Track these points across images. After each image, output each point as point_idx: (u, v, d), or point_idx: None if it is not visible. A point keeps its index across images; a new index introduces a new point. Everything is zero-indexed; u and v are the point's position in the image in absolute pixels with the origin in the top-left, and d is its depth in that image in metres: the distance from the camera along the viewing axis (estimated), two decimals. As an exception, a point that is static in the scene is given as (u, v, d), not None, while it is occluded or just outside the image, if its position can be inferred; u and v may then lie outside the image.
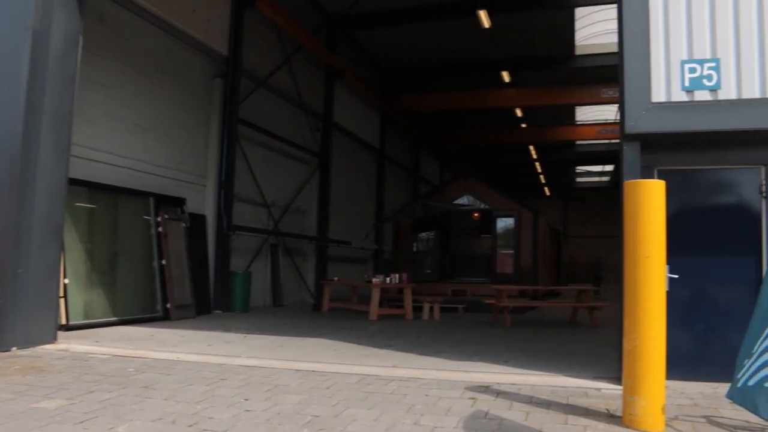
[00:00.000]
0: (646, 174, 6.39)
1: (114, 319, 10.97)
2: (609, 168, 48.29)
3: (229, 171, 14.86)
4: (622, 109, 6.49)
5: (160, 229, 12.45)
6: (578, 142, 39.17)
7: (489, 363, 7.30)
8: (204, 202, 14.71)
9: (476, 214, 20.53)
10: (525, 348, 8.88)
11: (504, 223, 18.23)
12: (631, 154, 6.37)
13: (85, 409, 4.92)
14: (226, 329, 10.71)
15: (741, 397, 4.32)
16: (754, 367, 4.23)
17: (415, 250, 18.83)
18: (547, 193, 53.90)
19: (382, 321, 12.97)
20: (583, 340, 10.18)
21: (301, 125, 19.65)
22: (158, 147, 13.26)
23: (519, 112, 29.37)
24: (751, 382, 4.24)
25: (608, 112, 32.60)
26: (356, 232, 23.19)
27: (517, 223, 17.98)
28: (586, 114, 33.08)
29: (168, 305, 12.25)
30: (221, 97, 15.01)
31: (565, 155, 42.20)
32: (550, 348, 8.95)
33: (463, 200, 18.62)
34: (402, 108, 27.38)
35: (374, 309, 13.08)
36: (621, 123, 6.53)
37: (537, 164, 43.16)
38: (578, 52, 24.49)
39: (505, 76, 24.48)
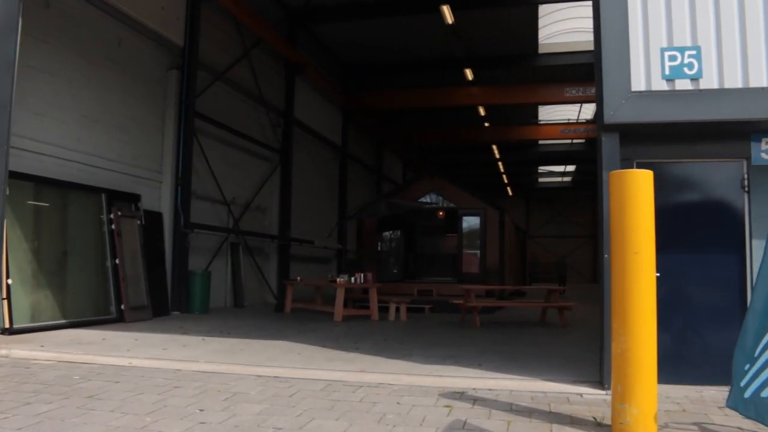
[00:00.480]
0: (625, 167, 6.10)
1: (63, 321, 10.31)
2: (571, 168, 48.67)
3: (185, 167, 14.25)
4: (600, 99, 6.18)
5: (112, 226, 11.81)
6: (541, 142, 39.31)
7: (462, 366, 6.94)
8: (160, 199, 14.08)
9: (441, 213, 20.22)
10: (498, 350, 8.56)
11: (470, 222, 17.96)
12: (609, 145, 6.07)
13: (18, 424, 4.39)
14: (184, 331, 10.16)
15: (752, 407, 3.99)
16: (764, 376, 3.93)
17: (379, 249, 18.43)
18: (510, 193, 54.06)
19: (347, 322, 12.54)
20: (555, 340, 9.91)
21: (262, 121, 19.09)
22: (110, 140, 12.60)
23: (482, 111, 29.25)
24: (765, 393, 3.93)
25: (571, 112, 32.71)
26: (319, 232, 22.68)
27: (483, 221, 17.71)
28: (549, 114, 33.13)
29: (122, 307, 11.61)
30: (177, 90, 14.39)
31: (527, 155, 42.31)
32: (523, 350, 8.64)
33: (429, 199, 18.30)
34: (364, 106, 26.96)
35: (339, 310, 12.65)
36: (598, 113, 6.23)
37: (500, 164, 43.18)
38: (542, 50, 24.41)
39: (469, 74, 24.28)
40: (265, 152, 19.23)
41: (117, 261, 11.69)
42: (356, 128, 28.33)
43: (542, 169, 49.03)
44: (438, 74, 26.17)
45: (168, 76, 14.41)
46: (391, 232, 18.78)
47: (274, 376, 6.24)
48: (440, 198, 18.22)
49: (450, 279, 19.06)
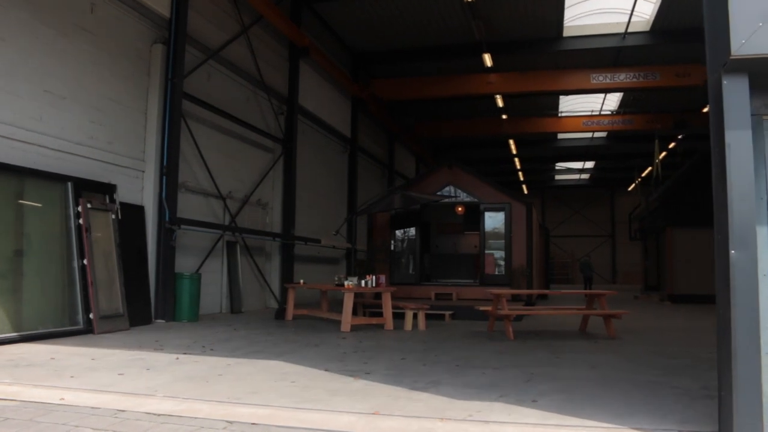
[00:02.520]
0: (756, 126, 4.25)
1: (14, 335, 8.55)
2: (590, 165, 46.68)
3: (171, 154, 12.48)
4: (714, 31, 4.33)
5: (80, 221, 10.04)
6: (560, 137, 37.35)
7: (512, 404, 5.09)
8: (143, 190, 12.32)
9: (461, 209, 18.37)
10: (548, 374, 6.70)
11: (493, 218, 16.09)
12: (735, 93, 4.17)
13: None
14: (159, 347, 8.37)
15: None
16: None
17: (392, 248, 16.57)
18: (525, 191, 52.11)
19: (356, 332, 10.72)
20: (611, 358, 8.03)
21: (263, 108, 17.31)
22: (81, 121, 10.84)
23: (500, 102, 27.38)
24: None
25: (594, 103, 30.76)
26: (327, 230, 20.85)
27: (508, 217, 15.85)
28: (570, 105, 31.17)
29: (91, 316, 9.83)
30: (163, 67, 12.62)
31: (545, 150, 40.41)
32: (580, 374, 6.77)
33: (446, 192, 16.43)
34: (374, 95, 25.13)
35: (347, 318, 10.82)
36: (715, 50, 4.35)
37: (516, 160, 41.29)
38: (567, 33, 22.46)
39: (487, 60, 22.37)
40: (267, 142, 17.45)
41: (85, 262, 9.92)
42: (366, 119, 26.52)
43: (560, 165, 47.06)
44: (454, 61, 24.36)
45: (152, 51, 12.65)
46: (404, 229, 16.91)
47: (251, 423, 4.41)
48: (459, 191, 16.36)
49: (471, 281, 17.24)
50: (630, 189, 49.01)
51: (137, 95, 12.29)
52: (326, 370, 6.73)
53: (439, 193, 16.22)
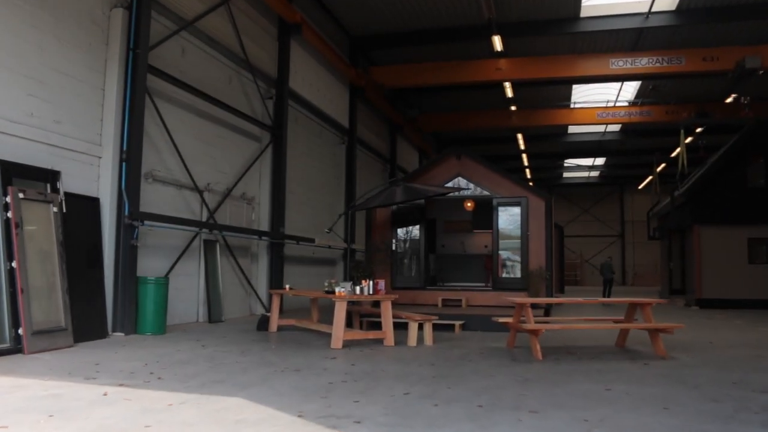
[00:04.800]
0: None
1: None
2: (600, 162, 44.77)
3: (133, 136, 10.59)
4: None
5: (8, 214, 8.16)
6: (571, 131, 35.48)
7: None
8: (99, 179, 10.43)
9: (470, 204, 16.48)
10: (608, 421, 4.80)
11: (508, 214, 14.21)
12: None
13: None
14: (93, 375, 6.50)
15: None
16: None
17: (393, 248, 14.65)
18: (532, 189, 50.13)
19: (349, 350, 8.83)
20: (684, 393, 6.09)
21: (247, 90, 15.44)
22: (16, 95, 8.96)
23: (509, 91, 25.45)
24: None
25: (609, 94, 28.84)
26: (322, 228, 18.96)
27: (525, 212, 13.97)
28: (583, 95, 29.24)
29: (20, 331, 7.96)
30: (123, 35, 10.74)
31: (555, 146, 38.53)
32: (653, 423, 4.85)
33: (455, 184, 14.53)
34: (374, 81, 23.22)
35: (338, 334, 8.91)
36: None
37: (524, 156, 39.37)
38: (584, 13, 20.54)
39: (497, 43, 20.47)
40: (253, 129, 15.57)
41: (14, 264, 8.04)
42: (366, 110, 24.59)
43: (568, 162, 45.11)
44: (461, 45, 22.45)
45: (111, 17, 10.76)
46: (408, 227, 14.98)
47: None
48: (469, 183, 14.47)
49: (482, 285, 15.38)
50: (640, 188, 47.14)
51: (93, 68, 10.40)
52: (300, 415, 4.85)
53: (447, 185, 14.33)
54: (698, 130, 29.97)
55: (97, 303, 9.76)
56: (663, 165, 35.44)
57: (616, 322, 9.74)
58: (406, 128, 29.04)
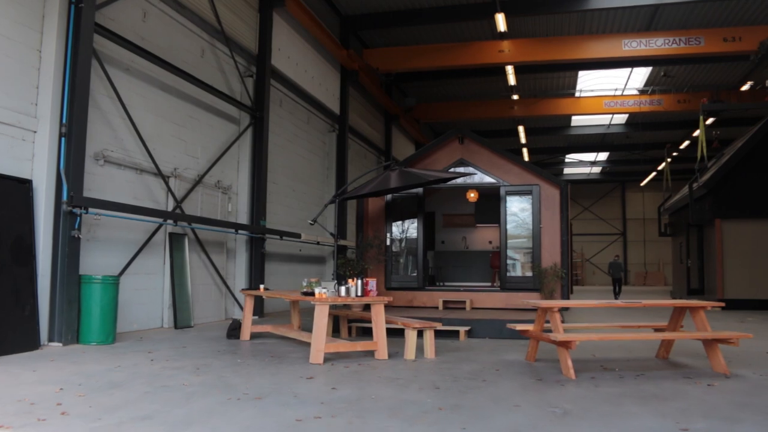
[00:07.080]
0: None
1: None
2: (603, 156, 43.12)
3: (75, 107, 8.83)
4: None
5: None
6: (574, 123, 33.80)
7: None
8: (33, 158, 8.68)
9: (473, 195, 14.76)
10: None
11: (518, 204, 12.51)
12: None
13: None
14: (-20, 406, 4.76)
15: None
16: None
17: (388, 243, 12.92)
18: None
19: (332, 366, 7.09)
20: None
21: (223, 66, 13.70)
22: None
23: (512, 78, 23.76)
24: None
25: (616, 83, 27.16)
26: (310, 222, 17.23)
27: (537, 203, 12.28)
28: (589, 83, 27.54)
29: None
30: (65, -14, 9.01)
31: (557, 139, 36.92)
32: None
33: (458, 170, 12.82)
34: (368, 65, 21.51)
35: (318, 345, 7.16)
36: None
37: (524, 150, 37.69)
38: (595, -11, 18.86)
39: (500, 22, 18.74)
40: (230, 109, 13.84)
41: None
42: (360, 97, 22.88)
43: (570, 158, 43.43)
44: (461, 25, 20.79)
45: (50, -35, 9.02)
46: (404, 220, 13.26)
47: None
48: (474, 169, 12.77)
49: (488, 285, 13.68)
50: (642, 184, 45.59)
51: (27, 24, 8.65)
52: (240, 487, 3.12)
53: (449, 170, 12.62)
54: (709, 121, 28.33)
55: (26, 306, 8.01)
56: (670, 159, 33.81)
57: (657, 329, 8.02)
58: (402, 118, 27.32)
